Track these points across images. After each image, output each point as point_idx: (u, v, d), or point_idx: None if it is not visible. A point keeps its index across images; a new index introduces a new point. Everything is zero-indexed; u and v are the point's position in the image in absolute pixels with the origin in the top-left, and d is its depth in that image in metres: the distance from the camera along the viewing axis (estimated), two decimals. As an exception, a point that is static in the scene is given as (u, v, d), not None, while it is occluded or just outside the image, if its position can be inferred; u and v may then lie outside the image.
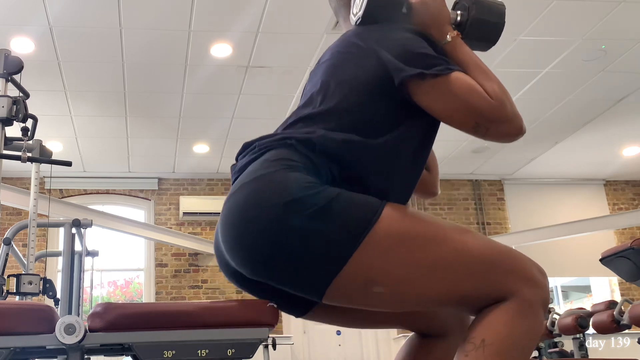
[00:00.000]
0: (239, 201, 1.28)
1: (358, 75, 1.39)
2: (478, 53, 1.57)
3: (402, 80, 1.33)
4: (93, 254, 4.33)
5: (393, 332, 7.92)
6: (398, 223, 1.24)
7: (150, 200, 8.20)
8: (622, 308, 3.69)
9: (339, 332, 8.11)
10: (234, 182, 1.41)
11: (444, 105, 1.34)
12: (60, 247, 4.20)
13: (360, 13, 1.47)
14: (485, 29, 1.56)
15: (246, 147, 1.45)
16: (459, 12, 1.57)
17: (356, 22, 1.50)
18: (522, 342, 1.18)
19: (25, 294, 3.56)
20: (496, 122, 1.33)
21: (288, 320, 8.00)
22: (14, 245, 4.02)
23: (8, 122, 3.30)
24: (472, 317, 1.27)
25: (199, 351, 1.25)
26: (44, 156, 3.97)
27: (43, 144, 4.07)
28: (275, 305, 1.42)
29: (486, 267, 1.23)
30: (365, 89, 1.37)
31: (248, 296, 1.40)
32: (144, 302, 7.64)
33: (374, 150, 1.33)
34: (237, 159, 1.47)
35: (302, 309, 1.47)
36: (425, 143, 1.46)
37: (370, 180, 1.32)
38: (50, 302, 3.89)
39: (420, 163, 1.45)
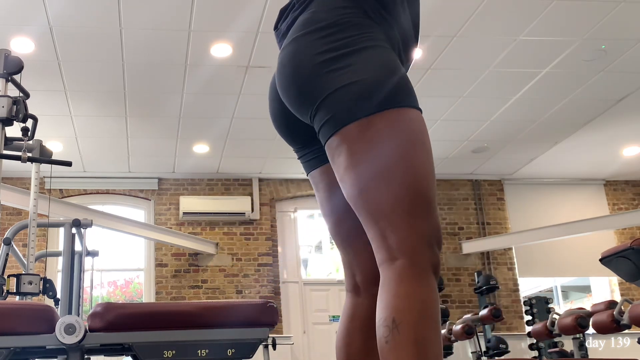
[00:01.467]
0: (292, 52, 1.37)
1: None
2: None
3: None
4: (93, 254, 4.33)
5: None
6: (417, 122, 1.30)
7: (150, 200, 8.20)
8: (622, 308, 3.69)
9: (339, 332, 8.11)
10: (281, 45, 1.48)
11: None
12: (60, 247, 4.20)
13: None
14: None
15: (284, 10, 1.50)
16: None
17: None
18: (426, 310, 1.20)
19: (25, 294, 3.56)
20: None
21: (288, 320, 8.01)
22: (14, 245, 4.02)
23: (8, 122, 3.30)
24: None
25: (199, 351, 1.26)
26: (44, 156, 3.97)
27: (43, 144, 4.07)
28: (274, 305, 1.42)
29: (410, 198, 1.25)
30: None
31: (248, 296, 1.40)
32: (144, 302, 7.64)
33: None
34: (276, 27, 1.53)
35: (313, 164, 1.54)
36: None
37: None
38: (50, 302, 3.89)
39: None
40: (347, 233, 1.52)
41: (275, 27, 1.53)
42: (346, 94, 1.29)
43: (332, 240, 1.63)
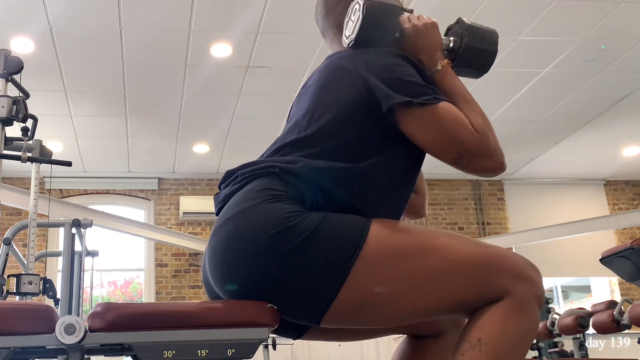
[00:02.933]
0: (226, 235, 1.28)
1: (345, 100, 1.38)
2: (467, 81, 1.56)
3: (390, 108, 1.33)
4: (93, 254, 4.32)
5: (397, 335, 7.91)
6: (386, 239, 1.25)
7: (150, 200, 8.20)
8: (622, 308, 3.69)
9: (339, 332, 8.10)
10: (217, 212, 1.40)
11: (428, 134, 1.33)
12: (60, 247, 4.20)
13: (354, 36, 1.46)
14: (477, 57, 1.54)
15: (229, 175, 1.43)
16: (451, 38, 1.56)
17: (349, 45, 1.49)
18: (517, 340, 1.18)
19: (25, 294, 3.56)
20: (478, 156, 1.32)
21: (288, 320, 8.00)
22: (14, 245, 4.02)
23: (8, 122, 3.30)
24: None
25: (199, 351, 1.25)
26: (44, 156, 3.97)
27: (43, 144, 4.07)
28: (274, 305, 1.42)
29: (477, 272, 1.23)
30: (351, 114, 1.36)
31: (248, 296, 1.40)
32: (144, 302, 7.64)
33: (360, 175, 1.32)
34: (220, 188, 1.46)
35: (298, 333, 1.47)
36: (413, 167, 1.45)
37: (357, 206, 1.32)
38: (50, 302, 3.89)
39: (408, 186, 1.44)
40: (397, 329, 1.53)
41: (219, 187, 1.48)
42: (305, 273, 1.21)
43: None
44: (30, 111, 3.39)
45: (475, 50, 1.53)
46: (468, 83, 5.36)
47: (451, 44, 1.54)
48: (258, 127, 6.94)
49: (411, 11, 1.55)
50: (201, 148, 7.49)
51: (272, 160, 1.37)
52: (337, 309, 1.23)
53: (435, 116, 1.31)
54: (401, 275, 1.22)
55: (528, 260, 1.30)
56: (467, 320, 1.25)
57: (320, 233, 1.22)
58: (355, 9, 1.47)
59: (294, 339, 1.50)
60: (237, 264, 1.25)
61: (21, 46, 5.19)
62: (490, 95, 6.45)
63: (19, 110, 3.28)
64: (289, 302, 1.25)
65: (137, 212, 8.22)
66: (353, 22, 1.47)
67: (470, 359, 1.16)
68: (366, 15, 1.43)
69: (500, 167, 1.34)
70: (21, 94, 3.41)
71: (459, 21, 1.57)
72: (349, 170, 1.32)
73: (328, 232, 1.23)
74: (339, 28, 1.57)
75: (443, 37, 1.54)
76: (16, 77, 3.49)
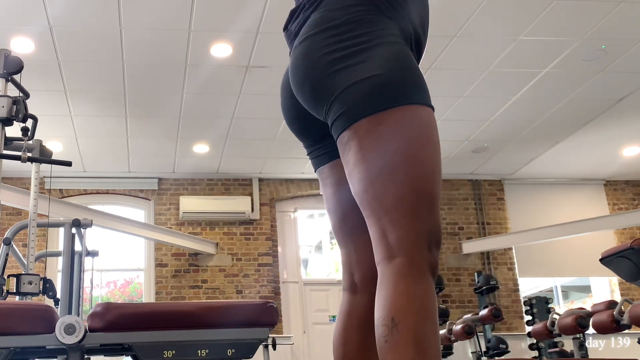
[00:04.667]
0: (305, 49, 1.36)
1: None
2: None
3: None
4: (93, 254, 4.32)
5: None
6: (429, 121, 1.31)
7: (150, 200, 8.20)
8: (622, 308, 3.69)
9: (339, 332, 8.11)
10: (291, 46, 1.47)
11: None
12: (60, 247, 4.20)
13: None
14: None
15: (294, 11, 1.49)
16: None
17: None
18: (424, 310, 1.21)
19: (25, 294, 3.56)
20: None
21: (288, 320, 8.01)
22: (14, 245, 4.02)
23: (8, 122, 3.30)
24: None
25: (199, 351, 1.25)
26: (44, 156, 3.97)
27: (43, 144, 4.07)
28: (274, 305, 1.42)
29: (413, 197, 1.26)
30: None
31: (248, 296, 1.40)
32: (144, 302, 7.64)
33: None
34: (286, 28, 1.52)
35: (323, 160, 1.55)
36: None
37: None
38: (50, 302, 3.89)
39: None
40: (350, 230, 1.53)
41: (285, 28, 1.53)
42: (359, 89, 1.29)
43: (334, 238, 1.64)
44: (30, 111, 3.39)
45: None
46: (468, 82, 5.35)
47: None
48: (258, 127, 6.94)
49: None
50: (201, 148, 7.49)
51: None
52: (357, 128, 1.29)
53: None
54: (388, 151, 1.27)
55: (440, 224, 1.31)
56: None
57: (396, 64, 1.30)
58: None
59: (316, 166, 1.57)
60: (313, 73, 1.34)
61: (21, 46, 5.19)
62: (490, 95, 6.45)
63: (19, 110, 3.28)
64: (341, 100, 1.31)
65: (137, 212, 8.22)
66: None
67: (393, 344, 1.19)
68: None
69: None
70: (21, 94, 3.41)
71: None
72: None
73: (404, 68, 1.31)
74: None
75: None
76: (16, 77, 3.50)
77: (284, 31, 1.54)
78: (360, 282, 1.51)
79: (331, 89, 1.32)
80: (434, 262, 1.26)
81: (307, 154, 1.58)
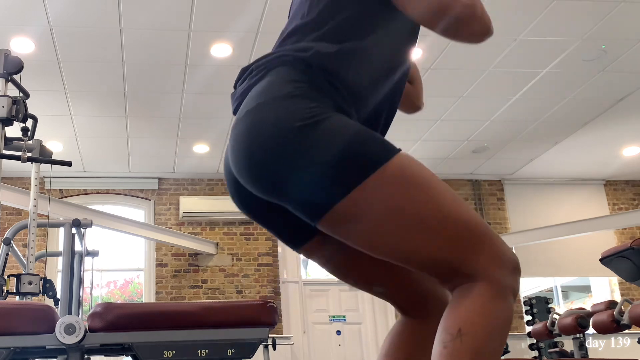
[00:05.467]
0: (248, 127, 1.29)
1: None
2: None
3: None
4: (93, 254, 4.33)
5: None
6: (408, 167, 1.27)
7: (150, 200, 8.20)
8: (622, 308, 3.70)
9: (339, 332, 8.12)
10: (235, 110, 1.43)
11: (418, 3, 1.37)
12: (60, 247, 4.20)
13: None
14: None
15: (244, 72, 1.46)
16: None
17: None
18: (496, 329, 1.19)
19: (25, 294, 3.56)
20: (466, 21, 1.35)
21: (288, 320, 8.01)
22: (14, 245, 4.02)
23: (8, 122, 3.30)
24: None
25: (199, 351, 1.25)
26: (44, 156, 3.97)
27: (43, 144, 4.07)
28: (274, 305, 1.42)
29: (462, 237, 1.23)
30: None
31: (248, 296, 1.40)
32: (144, 302, 7.64)
33: (366, 55, 1.37)
34: (235, 87, 1.48)
35: (300, 240, 1.47)
36: (410, 41, 1.49)
37: (362, 85, 1.36)
38: (50, 302, 3.89)
39: (405, 63, 1.48)
40: (377, 284, 1.50)
41: (235, 86, 1.49)
42: (321, 172, 1.22)
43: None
44: (30, 111, 3.39)
45: None
46: (468, 82, 5.36)
47: None
48: (258, 127, 6.94)
49: None
50: (201, 148, 7.49)
51: (285, 49, 1.41)
52: (337, 212, 1.24)
53: None
54: (398, 206, 1.23)
55: (510, 248, 1.30)
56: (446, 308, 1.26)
57: (347, 137, 1.25)
58: None
59: (294, 248, 1.50)
60: (259, 153, 1.26)
61: (21, 46, 5.19)
62: (490, 95, 6.45)
63: (19, 110, 3.28)
64: (298, 193, 1.26)
65: (137, 212, 8.22)
66: None
67: (452, 350, 1.17)
68: None
69: (488, 30, 1.38)
70: (21, 94, 3.41)
71: None
72: (354, 51, 1.36)
73: (356, 139, 1.25)
74: None
75: None
76: (16, 77, 3.50)
77: (233, 88, 1.49)
78: (410, 307, 1.51)
79: (283, 171, 1.25)
80: (515, 286, 1.24)
81: (281, 239, 1.50)
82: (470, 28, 1.36)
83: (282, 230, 1.48)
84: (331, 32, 1.38)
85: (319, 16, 1.41)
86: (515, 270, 1.25)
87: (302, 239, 1.47)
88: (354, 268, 1.49)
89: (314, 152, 1.23)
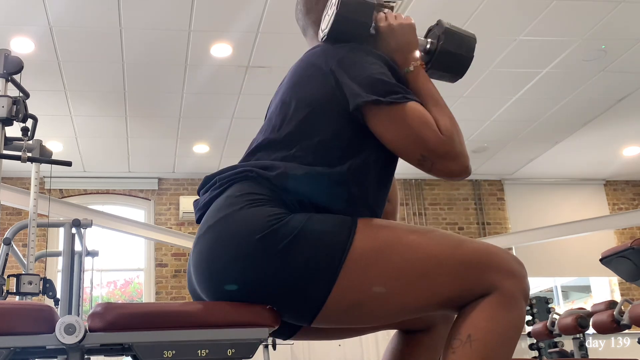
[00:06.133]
0: (209, 243, 1.29)
1: (317, 97, 1.37)
2: (440, 84, 1.55)
3: (357, 106, 1.32)
4: (93, 254, 4.32)
5: (393, 332, 7.91)
6: (373, 238, 1.24)
7: (150, 200, 8.20)
8: (622, 308, 3.70)
9: (339, 332, 8.10)
10: (198, 219, 1.42)
11: (394, 133, 1.32)
12: (60, 247, 4.20)
13: (327, 30, 1.47)
14: (452, 61, 1.54)
15: (207, 181, 1.44)
16: (429, 40, 1.56)
17: (322, 39, 1.51)
18: (506, 335, 1.19)
19: (25, 294, 3.56)
20: (442, 157, 1.33)
21: (288, 320, 8.00)
22: (14, 245, 4.02)
23: (8, 122, 3.30)
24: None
25: (199, 351, 1.25)
26: (44, 156, 3.97)
27: (43, 144, 4.07)
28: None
29: (464, 268, 1.23)
30: (325, 112, 1.36)
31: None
32: (144, 302, 7.64)
33: (338, 179, 1.32)
34: (199, 193, 1.47)
35: (288, 333, 1.46)
36: (389, 166, 1.43)
37: (337, 207, 1.31)
38: (50, 302, 3.89)
39: (385, 188, 1.43)
40: (391, 325, 1.51)
41: (198, 193, 1.49)
42: (294, 277, 1.21)
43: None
44: (30, 111, 3.39)
45: (450, 54, 1.53)
46: (468, 82, 5.38)
47: (428, 46, 1.55)
48: (258, 127, 6.86)
49: (391, 8, 1.54)
50: (201, 148, 7.50)
51: (250, 164, 1.37)
52: (329, 308, 1.23)
53: (402, 115, 1.31)
54: (391, 274, 1.22)
55: (514, 255, 1.30)
56: (456, 314, 1.26)
57: (306, 234, 1.22)
58: (332, 3, 1.47)
59: (284, 339, 1.49)
60: (223, 271, 1.25)
61: (21, 46, 5.19)
62: (490, 95, 6.45)
63: (19, 110, 3.28)
64: (280, 304, 1.25)
65: (137, 212, 8.22)
66: (329, 16, 1.47)
67: (461, 356, 1.17)
68: (340, 9, 1.43)
69: (464, 170, 1.37)
70: (21, 94, 3.41)
71: (438, 23, 1.57)
72: (328, 175, 1.31)
73: (315, 234, 1.22)
74: (319, 26, 1.57)
75: (421, 38, 1.55)
76: (16, 77, 3.50)
77: (197, 195, 1.49)
78: (417, 327, 1.51)
79: (258, 291, 1.23)
80: (525, 289, 1.24)
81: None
82: (446, 165, 1.34)
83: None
84: (303, 152, 1.33)
85: (291, 134, 1.37)
86: (522, 275, 1.25)
87: (292, 331, 1.45)
88: (357, 330, 1.50)
89: (280, 258, 1.20)
